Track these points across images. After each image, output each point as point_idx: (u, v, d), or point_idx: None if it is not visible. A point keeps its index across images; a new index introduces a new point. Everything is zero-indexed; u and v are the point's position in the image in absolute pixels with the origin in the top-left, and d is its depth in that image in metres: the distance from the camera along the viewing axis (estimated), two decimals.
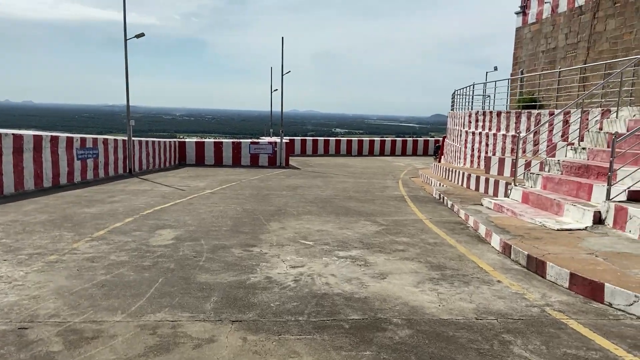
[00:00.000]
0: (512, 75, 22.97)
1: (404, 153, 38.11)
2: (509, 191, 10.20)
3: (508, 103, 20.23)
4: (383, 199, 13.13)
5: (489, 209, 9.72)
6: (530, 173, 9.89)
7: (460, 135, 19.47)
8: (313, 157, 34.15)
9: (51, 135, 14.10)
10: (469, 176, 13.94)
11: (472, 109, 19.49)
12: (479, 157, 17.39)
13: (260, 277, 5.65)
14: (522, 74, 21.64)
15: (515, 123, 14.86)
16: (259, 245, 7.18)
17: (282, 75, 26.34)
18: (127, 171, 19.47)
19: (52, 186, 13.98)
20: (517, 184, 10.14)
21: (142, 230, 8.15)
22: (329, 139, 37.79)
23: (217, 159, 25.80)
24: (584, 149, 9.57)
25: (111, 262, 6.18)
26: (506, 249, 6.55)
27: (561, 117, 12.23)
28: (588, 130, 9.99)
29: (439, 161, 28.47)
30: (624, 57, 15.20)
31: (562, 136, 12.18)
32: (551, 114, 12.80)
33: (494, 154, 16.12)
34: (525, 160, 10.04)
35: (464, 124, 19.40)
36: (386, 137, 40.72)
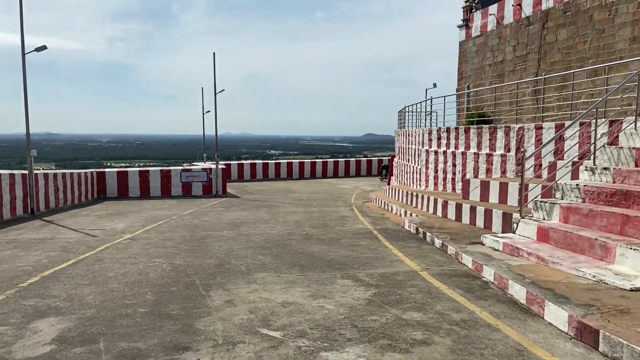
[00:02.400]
0: (457, 90, 21.70)
1: (347, 174, 36.20)
2: (515, 225, 8.09)
3: (457, 119, 18.80)
4: (349, 236, 10.71)
5: (496, 250, 7.55)
6: (541, 202, 7.84)
7: (419, 155, 17.59)
8: (252, 182, 31.38)
9: None
10: (445, 203, 11.85)
11: (431, 126, 17.75)
12: (444, 178, 15.49)
13: None
14: (468, 88, 20.36)
15: (490, 140, 13.06)
16: (195, 346, 4.46)
17: (215, 94, 23.62)
18: (29, 211, 15.86)
19: None
20: (523, 215, 8.05)
21: (8, 322, 5.19)
22: (267, 162, 35.18)
23: (143, 190, 22.45)
24: (605, 169, 7.67)
25: None
26: (586, 333, 4.27)
27: (552, 131, 10.44)
28: (605, 146, 8.13)
29: (389, 183, 26.67)
30: (579, 67, 14.07)
31: (555, 154, 10.36)
32: (538, 127, 11.03)
33: (463, 176, 14.25)
34: (524, 185, 8.01)
35: (422, 142, 17.54)
36: (328, 159, 38.69)
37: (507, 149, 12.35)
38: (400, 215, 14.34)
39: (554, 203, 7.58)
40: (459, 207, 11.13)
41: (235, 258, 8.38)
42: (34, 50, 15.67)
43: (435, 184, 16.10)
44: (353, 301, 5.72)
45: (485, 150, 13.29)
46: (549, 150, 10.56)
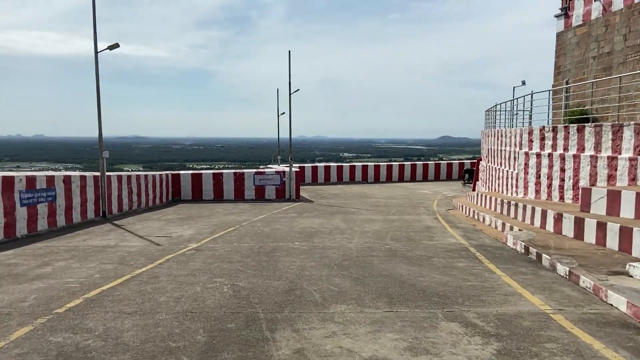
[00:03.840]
0: (554, 86, 19.14)
1: (424, 178, 34.00)
2: None
3: (550, 118, 16.39)
4: (440, 253, 9.02)
5: None
6: None
7: (515, 158, 15.41)
8: (326, 185, 30.17)
9: None
10: (559, 216, 9.78)
11: (530, 125, 15.52)
12: (549, 185, 13.27)
13: None
14: (566, 84, 17.79)
15: (613, 140, 10.79)
16: None
17: (290, 93, 22.61)
18: (101, 215, 15.53)
19: None
20: None
21: None
22: (342, 165, 33.82)
23: (216, 193, 21.86)
24: None
25: None
26: None
27: None
28: None
29: (474, 188, 24.35)
30: None
31: None
32: None
33: (575, 183, 12.02)
34: None
35: (519, 144, 15.35)
36: (405, 162, 36.64)
37: (639, 151, 10.06)
38: (497, 228, 12.37)
39: None
40: (579, 222, 9.06)
41: (308, 280, 6.99)
42: (106, 49, 15.33)
43: (537, 191, 13.90)
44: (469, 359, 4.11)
45: (606, 153, 11.02)
46: None
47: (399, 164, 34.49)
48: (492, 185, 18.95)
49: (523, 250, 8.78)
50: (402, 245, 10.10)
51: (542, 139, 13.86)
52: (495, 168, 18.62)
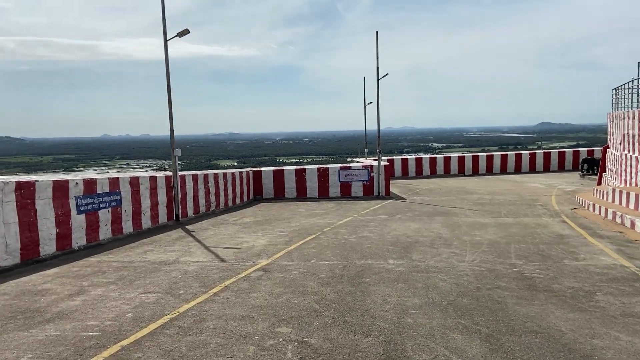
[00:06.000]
0: None
1: (532, 169, 29.92)
2: None
3: None
4: (602, 284, 6.25)
5: None
6: None
7: None
8: (417, 179, 27.40)
9: (17, 182, 8.87)
10: None
11: None
12: None
13: None
14: None
15: None
16: None
17: (378, 79, 20.16)
18: (174, 218, 14.22)
19: (22, 262, 8.76)
20: None
21: None
22: (435, 157, 30.73)
23: (299, 190, 20.06)
24: None
25: None
26: None
27: None
28: None
29: (599, 182, 20.38)
30: None
31: None
32: None
33: None
34: None
35: None
36: (508, 152, 32.65)
37: None
38: None
39: None
40: None
41: (413, 339, 4.65)
42: (175, 36, 13.90)
43: None
44: None
45: None
46: None
47: (501, 154, 30.68)
48: (634, 178, 15.24)
49: None
50: (537, 267, 7.41)
51: None
52: (636, 157, 14.92)
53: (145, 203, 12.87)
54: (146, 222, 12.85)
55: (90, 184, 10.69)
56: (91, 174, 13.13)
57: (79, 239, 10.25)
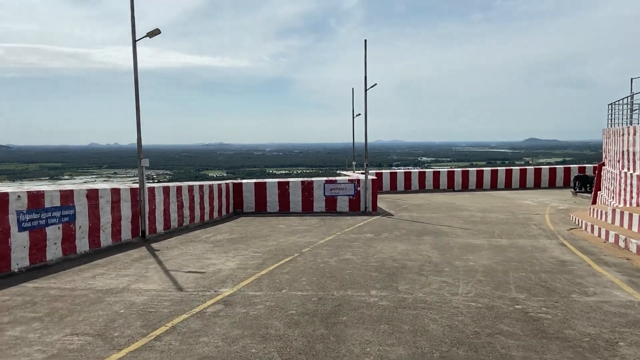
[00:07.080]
0: None
1: (522, 186, 29.07)
2: None
3: None
4: (624, 331, 5.19)
5: None
6: None
7: None
8: (406, 193, 26.41)
9: None
10: None
11: None
12: None
13: None
14: None
15: None
16: None
17: (366, 89, 19.19)
18: (140, 234, 12.98)
19: None
20: None
21: None
22: (424, 171, 29.78)
23: (282, 204, 18.91)
24: None
25: None
26: None
27: None
28: None
29: (594, 201, 19.49)
30: None
31: None
32: None
33: None
34: None
35: None
36: (498, 167, 31.82)
37: None
38: None
39: None
40: None
41: None
42: (145, 36, 12.79)
43: None
44: None
45: None
46: None
47: (491, 170, 29.82)
48: (634, 197, 14.33)
49: None
50: (542, 303, 6.33)
51: None
52: (636, 175, 14.02)
53: (105, 218, 11.64)
54: (106, 239, 11.61)
55: (36, 197, 9.45)
56: (42, 186, 11.86)
57: (20, 259, 8.98)
